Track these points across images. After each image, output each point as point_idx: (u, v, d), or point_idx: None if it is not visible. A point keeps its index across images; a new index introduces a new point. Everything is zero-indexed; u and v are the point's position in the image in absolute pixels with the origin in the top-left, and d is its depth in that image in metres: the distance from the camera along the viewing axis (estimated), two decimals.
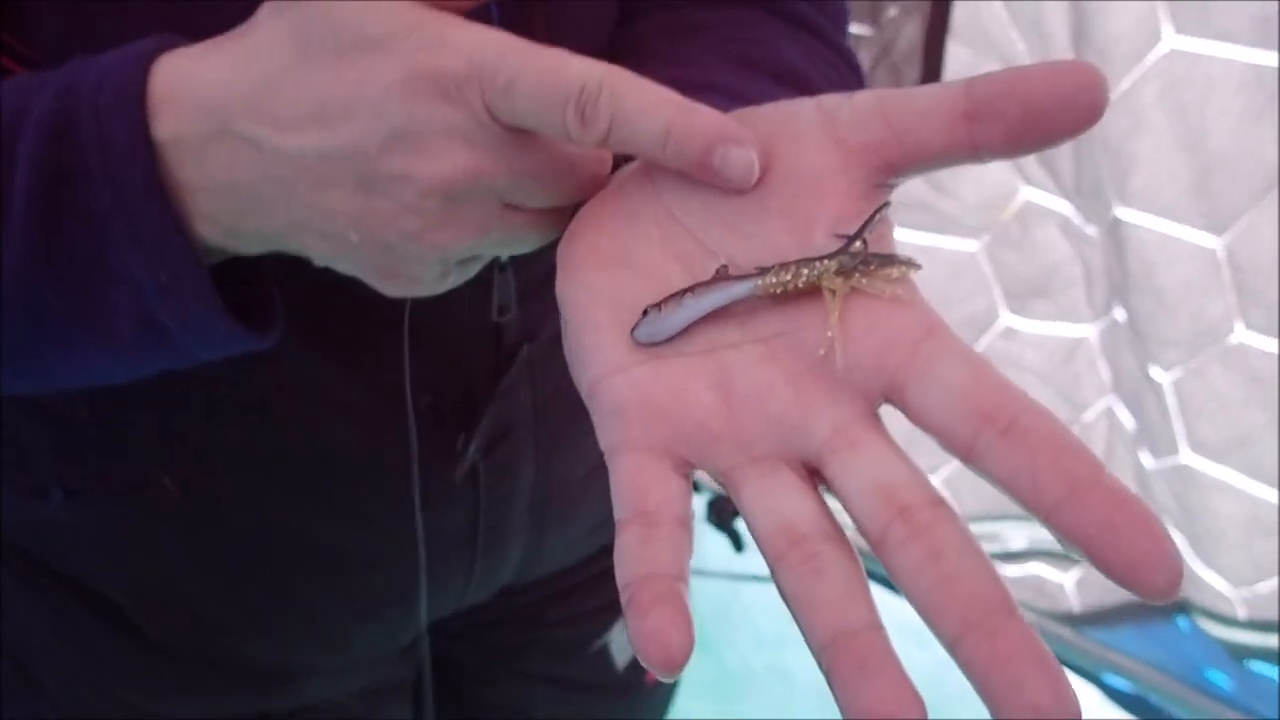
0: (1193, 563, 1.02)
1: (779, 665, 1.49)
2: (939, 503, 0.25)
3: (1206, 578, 1.01)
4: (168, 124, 0.30)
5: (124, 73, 0.30)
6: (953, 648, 0.23)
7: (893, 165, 0.28)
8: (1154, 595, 0.22)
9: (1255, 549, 0.98)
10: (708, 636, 1.50)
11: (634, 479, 0.27)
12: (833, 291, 0.27)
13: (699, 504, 1.37)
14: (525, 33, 0.39)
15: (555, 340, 0.33)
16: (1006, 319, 1.03)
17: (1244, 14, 0.79)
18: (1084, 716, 0.21)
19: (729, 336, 0.29)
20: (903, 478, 0.25)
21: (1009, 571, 1.19)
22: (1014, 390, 0.25)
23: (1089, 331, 1.02)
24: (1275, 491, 0.94)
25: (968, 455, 0.25)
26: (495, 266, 0.43)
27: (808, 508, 0.26)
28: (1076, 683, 1.21)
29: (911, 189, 1.01)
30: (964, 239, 1.02)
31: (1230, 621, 1.03)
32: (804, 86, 0.41)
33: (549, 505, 0.54)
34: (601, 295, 0.30)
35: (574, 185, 0.31)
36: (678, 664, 0.24)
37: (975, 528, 1.27)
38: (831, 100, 0.29)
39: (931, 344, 0.26)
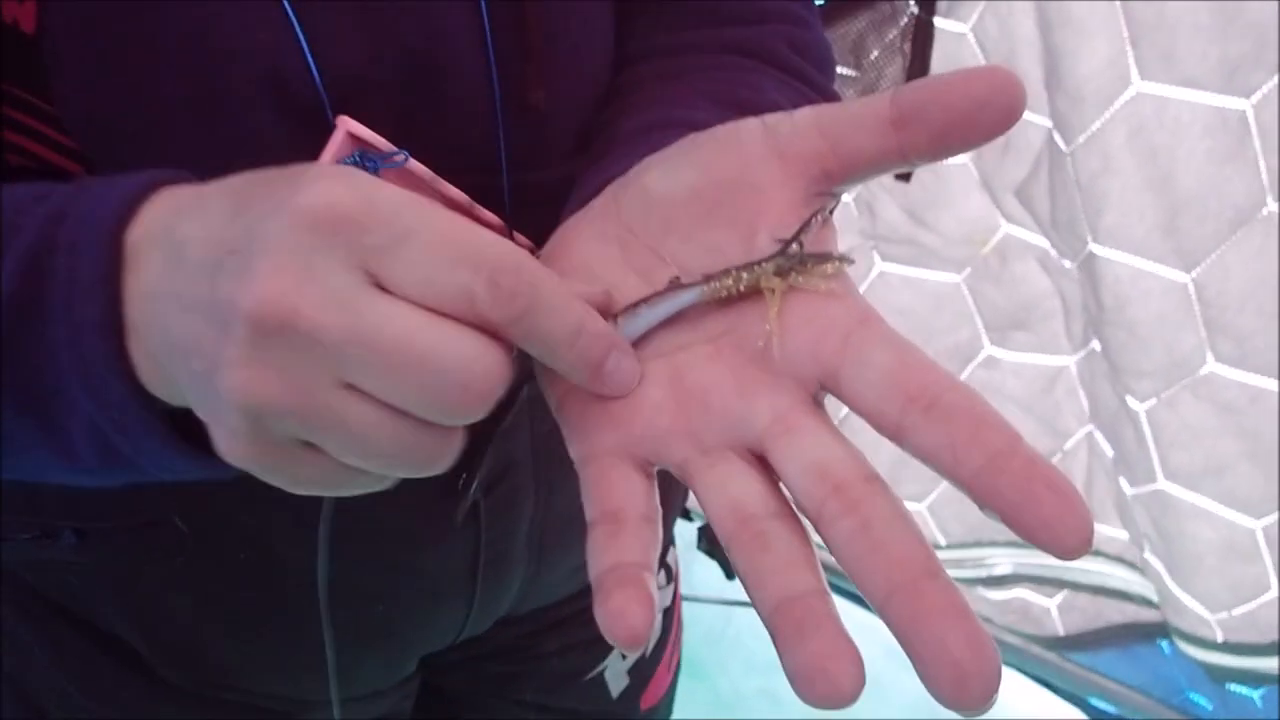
0: (1172, 587, 1.04)
1: (769, 689, 1.50)
2: (872, 478, 0.26)
3: (1185, 602, 1.04)
4: (141, 268, 0.28)
5: (110, 210, 0.29)
6: (882, 609, 0.24)
7: (831, 174, 0.30)
8: (1067, 554, 0.23)
9: (1232, 574, 1.00)
10: (699, 661, 1.52)
11: (600, 482, 0.29)
12: (772, 290, 0.29)
13: (690, 531, 1.39)
14: (522, 65, 0.41)
15: None
16: (989, 349, 1.06)
17: (1207, 60, 0.82)
18: None
19: (682, 339, 0.31)
20: (837, 457, 0.27)
21: (994, 596, 1.21)
22: (938, 371, 0.26)
23: (1068, 362, 1.04)
24: (1249, 518, 0.97)
25: (896, 435, 0.26)
26: None
27: (755, 489, 0.28)
28: (1062, 706, 1.22)
29: (895, 224, 1.04)
30: (946, 272, 1.05)
31: (1209, 645, 1.05)
32: None
33: (546, 538, 0.56)
34: None
35: (438, 387, 0.25)
36: (639, 638, 0.25)
37: (960, 553, 1.28)
38: (774, 118, 0.31)
39: (862, 333, 0.28)
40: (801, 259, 0.29)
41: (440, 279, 0.25)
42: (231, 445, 0.27)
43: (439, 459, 0.28)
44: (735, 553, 0.27)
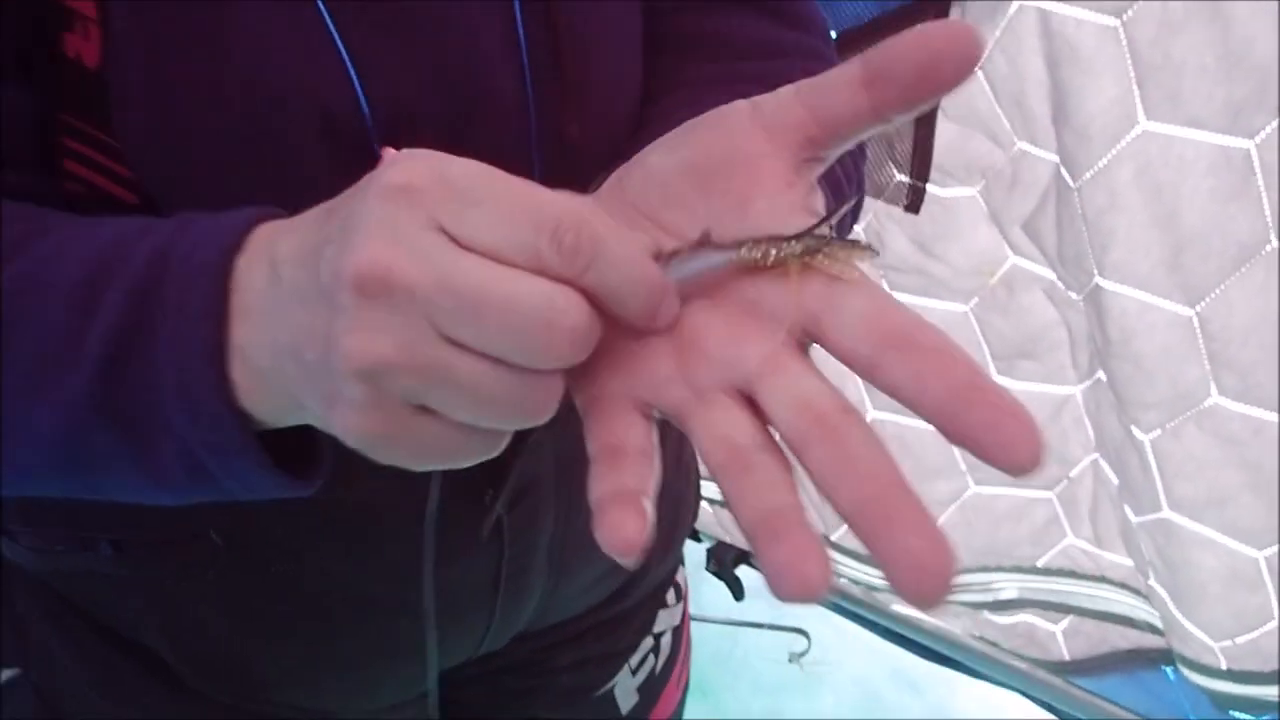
0: (1176, 614, 1.06)
1: (775, 709, 1.51)
2: (849, 410, 0.29)
3: (1190, 629, 1.05)
4: (245, 290, 0.31)
5: (219, 245, 0.31)
6: (852, 518, 0.27)
7: (815, 141, 0.33)
8: (1023, 470, 0.26)
9: (1235, 602, 1.01)
10: (707, 681, 1.53)
11: (602, 421, 0.32)
12: (799, 267, 0.31)
13: (699, 552, 1.40)
14: (559, 102, 0.43)
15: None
16: (996, 378, 1.08)
17: (1212, 101, 0.84)
18: None
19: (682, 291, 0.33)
20: (819, 391, 0.29)
21: (1000, 620, 1.22)
22: (910, 315, 0.29)
23: (1074, 391, 1.06)
24: (1252, 548, 0.98)
25: (869, 370, 0.29)
26: None
27: (743, 425, 0.30)
28: None
29: (904, 254, 1.06)
30: (954, 302, 1.07)
31: (1213, 672, 1.06)
32: None
33: (566, 553, 0.58)
34: None
35: (524, 329, 0.28)
36: (633, 547, 0.28)
37: (967, 578, 1.29)
38: (760, 97, 0.34)
39: (847, 288, 0.30)
40: (830, 241, 0.31)
41: (509, 238, 0.28)
42: (353, 421, 0.29)
43: (544, 405, 0.30)
44: (723, 479, 0.29)
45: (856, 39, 1.01)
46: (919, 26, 0.30)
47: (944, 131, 0.99)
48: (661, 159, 0.35)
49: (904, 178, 1.03)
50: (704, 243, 0.32)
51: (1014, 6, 0.90)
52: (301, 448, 0.34)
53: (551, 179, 0.44)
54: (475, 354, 0.28)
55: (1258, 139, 0.84)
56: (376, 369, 0.28)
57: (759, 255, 0.32)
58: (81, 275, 0.32)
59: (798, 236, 0.31)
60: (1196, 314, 0.91)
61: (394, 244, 0.27)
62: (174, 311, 0.31)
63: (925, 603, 0.25)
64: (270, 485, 0.33)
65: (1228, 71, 0.83)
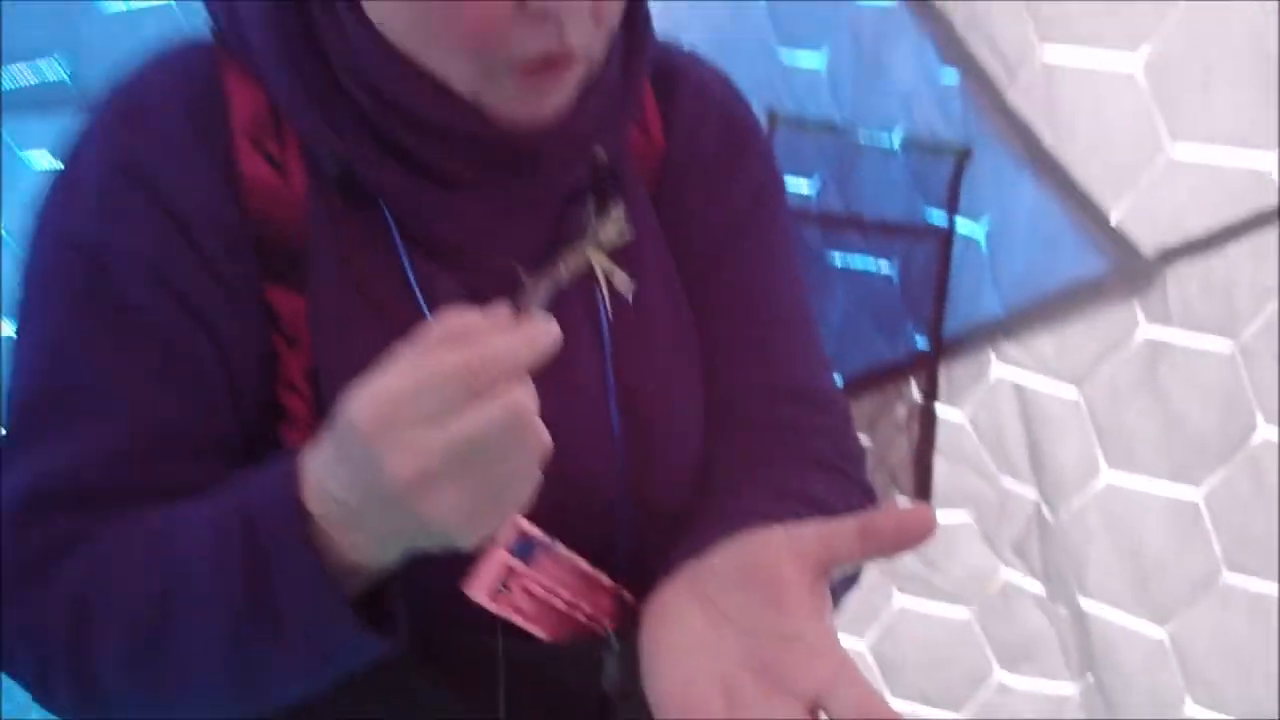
0: None
1: None
2: None
3: None
4: (317, 506, 0.45)
5: (281, 486, 0.45)
6: None
7: (825, 563, 0.48)
8: None
9: None
10: None
11: None
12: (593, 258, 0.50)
13: None
14: (641, 475, 0.60)
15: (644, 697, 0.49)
16: (999, 676, 1.20)
17: (1160, 457, 1.01)
18: None
19: (731, 648, 0.47)
20: None
21: None
22: (886, 707, 0.44)
23: (1071, 689, 1.18)
24: None
25: None
26: (608, 649, 0.59)
27: None
28: None
29: (910, 567, 1.20)
30: (956, 607, 1.20)
31: None
32: (823, 510, 0.59)
33: None
34: (662, 649, 0.49)
35: (509, 436, 0.42)
36: None
37: None
38: (794, 528, 0.49)
39: (844, 674, 0.44)
40: (592, 227, 0.49)
41: (448, 400, 0.42)
42: (445, 507, 0.42)
43: (528, 410, 0.43)
44: None
45: (863, 383, 1.19)
46: (900, 512, 0.47)
47: (940, 466, 1.15)
48: (721, 562, 0.51)
49: (906, 499, 1.19)
50: (534, 282, 0.47)
51: (993, 376, 1.08)
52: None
53: (630, 530, 0.59)
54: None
55: (1203, 490, 1.00)
56: (428, 471, 0.41)
57: (568, 267, 0.49)
58: (210, 539, 0.47)
59: (570, 246, 0.50)
60: (1167, 633, 1.04)
61: (405, 451, 0.41)
62: (277, 552, 0.45)
63: None
64: (370, 645, 0.47)
65: (1168, 435, 1.01)
